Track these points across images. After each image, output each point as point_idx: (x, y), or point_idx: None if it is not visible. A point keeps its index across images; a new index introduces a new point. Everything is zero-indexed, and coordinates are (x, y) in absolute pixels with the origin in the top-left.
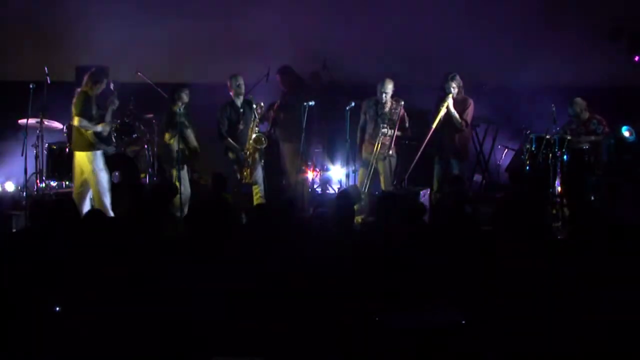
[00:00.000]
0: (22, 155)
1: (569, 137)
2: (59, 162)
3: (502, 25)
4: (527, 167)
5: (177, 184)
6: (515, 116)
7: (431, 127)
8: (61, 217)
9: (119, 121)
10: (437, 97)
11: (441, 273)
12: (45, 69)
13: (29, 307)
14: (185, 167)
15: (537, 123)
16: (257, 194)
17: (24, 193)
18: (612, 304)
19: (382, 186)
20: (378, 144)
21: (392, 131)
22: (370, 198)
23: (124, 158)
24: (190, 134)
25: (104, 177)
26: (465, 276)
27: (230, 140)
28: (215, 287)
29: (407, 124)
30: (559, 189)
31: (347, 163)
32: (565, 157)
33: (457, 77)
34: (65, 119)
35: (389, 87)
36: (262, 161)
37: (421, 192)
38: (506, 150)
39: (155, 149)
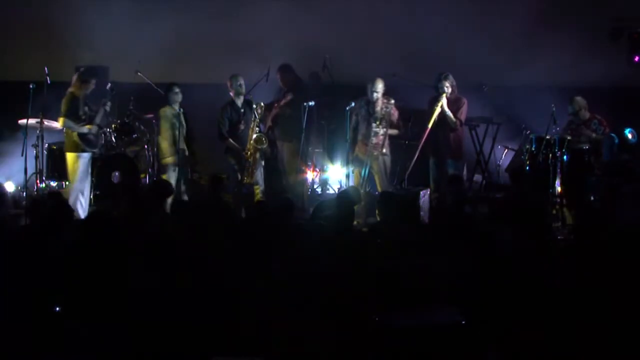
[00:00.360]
0: (22, 155)
1: (569, 137)
2: (58, 162)
3: (502, 25)
4: (527, 167)
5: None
6: (515, 116)
7: (427, 127)
8: (59, 217)
9: (118, 121)
10: (430, 96)
11: (441, 273)
12: (45, 69)
13: (29, 307)
14: (177, 167)
15: (537, 123)
16: (258, 195)
17: (24, 193)
18: (612, 304)
19: (378, 186)
20: (371, 143)
21: (384, 130)
22: (369, 199)
23: (124, 158)
24: (181, 134)
25: (81, 181)
26: (465, 276)
27: (231, 141)
28: (214, 287)
29: (399, 122)
30: (559, 189)
31: (347, 163)
32: (565, 157)
33: (450, 77)
34: None
35: (379, 87)
36: (263, 161)
37: (421, 192)
38: (506, 150)
39: (155, 149)
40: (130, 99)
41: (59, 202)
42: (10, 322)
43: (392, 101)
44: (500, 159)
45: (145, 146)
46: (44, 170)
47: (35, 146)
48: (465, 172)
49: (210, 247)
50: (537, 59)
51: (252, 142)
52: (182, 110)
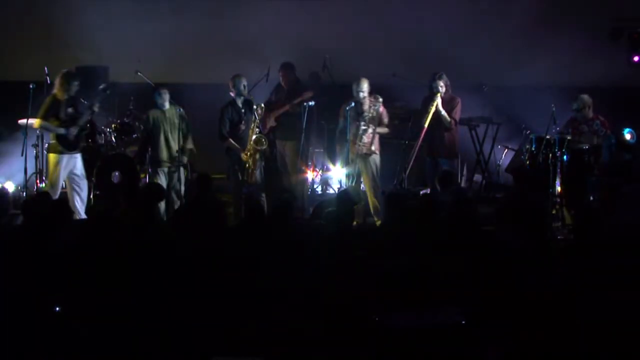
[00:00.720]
0: (22, 155)
1: (569, 137)
2: None
3: (502, 25)
4: (527, 167)
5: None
6: (515, 116)
7: (423, 127)
8: (57, 216)
9: (118, 121)
10: (424, 96)
11: (441, 273)
12: (45, 69)
13: (29, 307)
14: (166, 169)
15: (537, 123)
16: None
17: (24, 193)
18: (612, 304)
19: (366, 186)
20: (361, 142)
21: (373, 129)
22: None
23: (124, 158)
24: (172, 136)
25: (56, 181)
26: (465, 276)
27: (232, 141)
28: (214, 286)
29: (386, 120)
30: (559, 189)
31: (347, 163)
32: (565, 157)
33: (445, 76)
34: None
35: (365, 86)
36: (262, 162)
37: (421, 192)
38: (506, 150)
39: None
40: (130, 99)
41: (57, 202)
42: (10, 322)
43: (380, 100)
44: (500, 159)
45: None
46: (44, 170)
47: (35, 146)
48: (465, 172)
49: (207, 248)
50: (537, 59)
51: (251, 143)
52: (180, 110)
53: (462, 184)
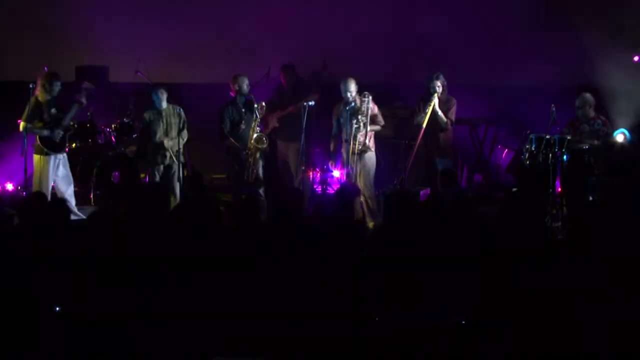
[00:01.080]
0: (22, 155)
1: (569, 137)
2: None
3: (502, 25)
4: (527, 167)
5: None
6: (515, 116)
7: (421, 127)
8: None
9: (118, 121)
10: (420, 96)
11: (441, 273)
12: (45, 69)
13: (29, 307)
14: (162, 168)
15: (537, 123)
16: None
17: (24, 193)
18: (612, 304)
19: (361, 184)
20: (356, 141)
21: (366, 126)
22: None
23: (124, 158)
24: (169, 136)
25: (46, 182)
26: (465, 276)
27: (233, 140)
28: (213, 286)
29: (379, 117)
30: (559, 189)
31: (347, 163)
32: (565, 157)
33: (442, 76)
34: None
35: (352, 86)
36: (263, 161)
37: (421, 192)
38: (506, 150)
39: None
40: (130, 99)
41: (56, 202)
42: (10, 322)
43: (369, 96)
44: (500, 159)
45: None
46: None
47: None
48: (465, 172)
49: (206, 248)
50: (537, 59)
51: (252, 141)
52: (178, 110)
53: (462, 184)
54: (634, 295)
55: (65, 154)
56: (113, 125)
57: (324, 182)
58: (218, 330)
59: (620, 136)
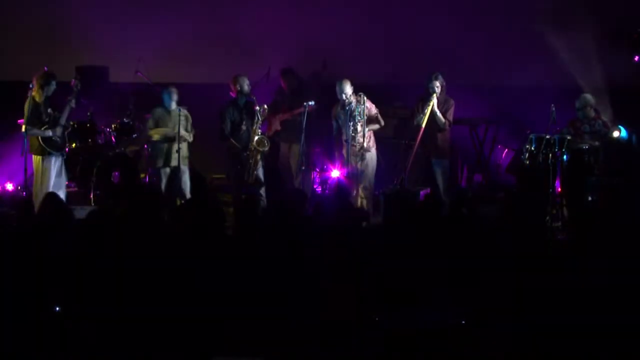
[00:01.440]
0: (22, 155)
1: (569, 137)
2: None
3: (502, 25)
4: (527, 167)
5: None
6: (515, 116)
7: (421, 127)
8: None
9: (118, 121)
10: (418, 96)
11: (440, 273)
12: (45, 68)
13: (29, 307)
14: (168, 170)
15: (537, 123)
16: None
17: (24, 193)
18: (612, 304)
19: (360, 184)
20: (356, 143)
21: (364, 127)
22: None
23: (124, 158)
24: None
25: (48, 182)
26: (465, 276)
27: (233, 141)
28: (213, 285)
29: (378, 117)
30: (559, 189)
31: (347, 163)
32: (565, 157)
33: (440, 77)
34: None
35: (347, 88)
36: (263, 162)
37: (421, 192)
38: (506, 150)
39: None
40: (130, 99)
41: (57, 202)
42: (10, 323)
43: (364, 97)
44: (500, 158)
45: (145, 146)
46: None
47: None
48: (465, 172)
49: (207, 248)
50: (537, 59)
51: (254, 143)
52: (180, 110)
53: (462, 184)
54: (633, 294)
55: (64, 155)
56: (113, 125)
57: (324, 182)
58: (218, 330)
59: (616, 132)
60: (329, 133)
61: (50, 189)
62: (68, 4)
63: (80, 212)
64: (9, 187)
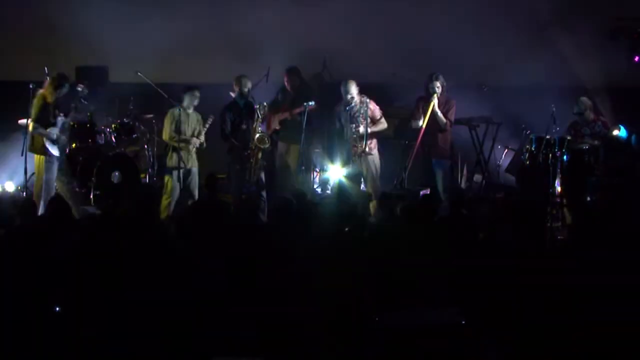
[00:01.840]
0: (22, 155)
1: (569, 138)
2: None
3: (502, 25)
4: (527, 167)
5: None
6: (515, 116)
7: (421, 127)
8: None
9: (118, 121)
10: (418, 96)
11: (440, 273)
12: (45, 69)
13: (29, 307)
14: (181, 171)
15: (537, 123)
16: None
17: (24, 193)
18: (612, 304)
19: (367, 186)
20: (357, 144)
21: (367, 129)
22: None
23: (124, 158)
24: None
25: (49, 183)
26: (465, 276)
27: (234, 141)
28: (214, 286)
29: (381, 119)
30: (559, 189)
31: (347, 163)
32: (565, 157)
33: (441, 77)
34: None
35: (352, 88)
36: (264, 161)
37: (421, 192)
38: (506, 150)
39: (155, 149)
40: (130, 99)
41: (58, 203)
42: (10, 323)
43: (367, 99)
44: (500, 159)
45: (145, 146)
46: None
47: None
48: (465, 172)
49: (208, 248)
50: (537, 59)
51: (255, 141)
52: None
53: (462, 184)
54: (633, 294)
55: (64, 156)
56: (113, 125)
57: (324, 182)
58: (218, 330)
59: (615, 131)
60: (329, 133)
61: (52, 190)
62: (68, 4)
63: (81, 212)
64: (9, 187)
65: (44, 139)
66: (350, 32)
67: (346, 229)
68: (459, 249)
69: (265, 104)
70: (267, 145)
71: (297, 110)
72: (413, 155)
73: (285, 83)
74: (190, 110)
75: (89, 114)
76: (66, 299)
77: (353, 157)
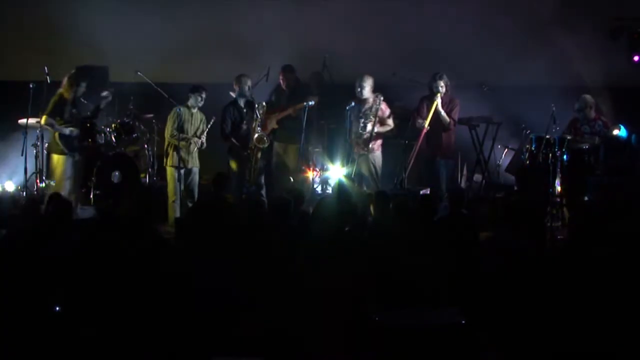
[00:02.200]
0: (22, 155)
1: (569, 137)
2: None
3: (502, 25)
4: (527, 167)
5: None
6: (515, 116)
7: (424, 127)
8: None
9: (118, 121)
10: (421, 95)
11: (441, 273)
12: (45, 68)
13: (29, 307)
14: (182, 170)
15: (537, 123)
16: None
17: (24, 193)
18: (611, 304)
19: (366, 186)
20: (361, 140)
21: (373, 127)
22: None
23: (124, 158)
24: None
25: (65, 180)
26: (465, 276)
27: (234, 140)
28: (214, 286)
29: (389, 120)
30: (559, 189)
31: (347, 163)
32: (565, 157)
33: (445, 77)
34: None
35: (367, 83)
36: (264, 161)
37: (421, 192)
38: (506, 150)
39: (155, 149)
40: (130, 99)
41: (60, 203)
42: (10, 323)
43: (381, 97)
44: (500, 158)
45: (145, 146)
46: (44, 170)
47: (35, 146)
48: (465, 172)
49: (210, 248)
50: (537, 59)
51: (254, 141)
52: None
53: (462, 184)
54: (633, 294)
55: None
56: (113, 125)
57: (324, 182)
58: (218, 330)
59: (615, 130)
60: (329, 133)
61: (66, 189)
62: (68, 4)
63: (81, 212)
64: (9, 187)
65: (57, 138)
66: (350, 32)
67: (346, 229)
68: (459, 249)
69: (264, 103)
70: (265, 145)
71: (299, 105)
72: (414, 155)
73: (281, 81)
74: (195, 110)
75: (89, 113)
76: (66, 299)
77: (355, 154)
